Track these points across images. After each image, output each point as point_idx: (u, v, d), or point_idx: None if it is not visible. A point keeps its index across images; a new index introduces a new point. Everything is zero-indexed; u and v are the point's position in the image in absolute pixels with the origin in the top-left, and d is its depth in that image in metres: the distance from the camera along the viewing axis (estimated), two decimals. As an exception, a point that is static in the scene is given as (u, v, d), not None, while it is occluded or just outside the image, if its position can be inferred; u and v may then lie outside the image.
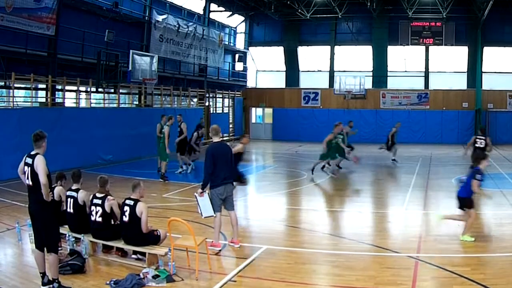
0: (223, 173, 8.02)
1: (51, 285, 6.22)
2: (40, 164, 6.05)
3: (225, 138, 30.38)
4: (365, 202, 12.91)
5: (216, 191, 8.06)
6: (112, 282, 6.44)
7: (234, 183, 8.53)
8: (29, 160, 6.16)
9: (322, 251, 8.23)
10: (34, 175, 6.08)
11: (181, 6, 27.88)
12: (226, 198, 8.15)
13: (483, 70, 30.49)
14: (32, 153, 6.19)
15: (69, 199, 7.82)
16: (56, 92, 18.53)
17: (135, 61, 20.87)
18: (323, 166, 16.36)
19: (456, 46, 31.12)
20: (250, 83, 37.14)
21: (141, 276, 6.59)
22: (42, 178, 6.01)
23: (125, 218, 7.20)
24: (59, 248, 6.43)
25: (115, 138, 19.70)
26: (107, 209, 7.49)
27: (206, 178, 7.99)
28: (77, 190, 7.85)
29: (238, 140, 17.50)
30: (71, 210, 7.77)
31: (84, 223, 7.69)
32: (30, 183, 6.17)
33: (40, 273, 6.36)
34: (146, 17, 23.92)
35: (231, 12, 32.26)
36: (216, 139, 8.19)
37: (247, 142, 11.77)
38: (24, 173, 6.24)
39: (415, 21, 30.52)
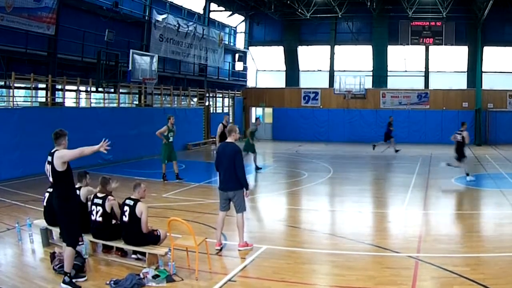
0: (222, 176, 8.10)
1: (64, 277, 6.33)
2: (60, 155, 6.24)
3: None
4: (365, 202, 12.90)
5: (219, 190, 8.20)
6: (112, 282, 6.44)
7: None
8: (49, 158, 6.34)
9: (322, 251, 8.23)
10: (54, 172, 6.28)
11: (181, 6, 27.88)
12: (231, 200, 8.14)
13: (483, 70, 30.48)
14: (52, 150, 6.37)
15: None
16: (56, 92, 18.53)
17: (135, 60, 20.88)
18: None
19: (456, 46, 31.13)
20: (250, 83, 37.15)
21: (141, 276, 6.59)
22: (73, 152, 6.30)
23: (125, 218, 7.20)
24: (80, 243, 6.66)
25: (115, 138, 19.51)
26: (108, 209, 7.48)
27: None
28: (79, 188, 7.89)
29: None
30: None
31: (84, 222, 7.67)
32: (51, 179, 6.38)
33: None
34: (146, 17, 23.92)
35: (231, 12, 32.25)
36: (228, 140, 8.22)
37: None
38: (47, 171, 6.43)
39: (415, 20, 30.53)
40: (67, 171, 6.33)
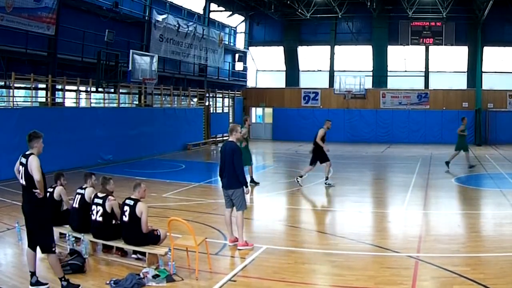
0: (222, 174, 8.22)
1: (43, 286, 6.24)
2: (33, 162, 6.05)
3: (224, 138, 30.44)
4: (365, 202, 12.90)
5: (222, 188, 8.35)
6: (112, 281, 6.44)
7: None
8: (23, 160, 6.19)
9: (322, 251, 8.22)
10: (28, 175, 6.10)
11: (181, 6, 27.89)
12: (231, 198, 8.21)
13: (483, 70, 30.47)
14: (27, 153, 6.21)
15: (77, 196, 7.93)
16: (56, 92, 18.52)
17: (135, 61, 20.88)
18: None
19: (456, 46, 31.13)
20: (250, 83, 37.14)
21: (141, 275, 6.59)
22: (37, 175, 5.99)
23: (125, 218, 7.20)
24: (54, 249, 6.37)
25: (115, 138, 19.70)
26: (108, 209, 7.49)
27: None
28: (85, 188, 7.95)
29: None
30: (77, 205, 7.86)
31: (86, 222, 7.69)
32: (24, 182, 6.20)
33: (30, 271, 6.34)
34: (146, 17, 23.92)
35: (231, 12, 32.26)
36: (230, 139, 8.34)
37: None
38: (19, 172, 6.27)
39: (415, 21, 30.54)
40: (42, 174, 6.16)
